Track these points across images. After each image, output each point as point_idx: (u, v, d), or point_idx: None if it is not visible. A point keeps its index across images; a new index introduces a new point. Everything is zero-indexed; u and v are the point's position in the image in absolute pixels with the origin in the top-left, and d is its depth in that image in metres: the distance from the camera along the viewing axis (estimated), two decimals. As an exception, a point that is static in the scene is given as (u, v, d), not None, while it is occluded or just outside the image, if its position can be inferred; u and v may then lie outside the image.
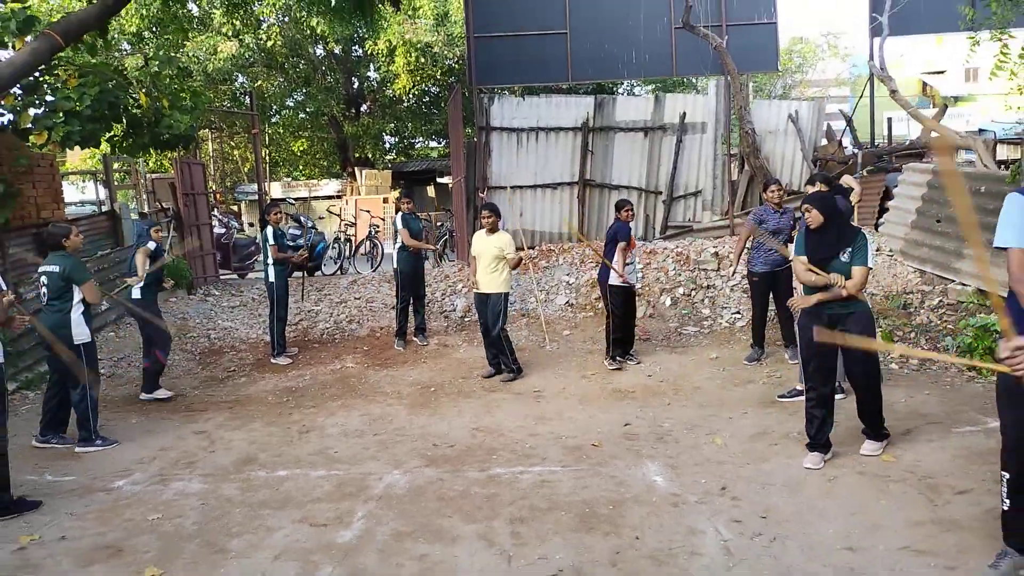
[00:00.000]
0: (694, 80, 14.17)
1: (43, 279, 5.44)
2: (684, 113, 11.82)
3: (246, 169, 26.58)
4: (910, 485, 4.16)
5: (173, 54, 10.49)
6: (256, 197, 18.50)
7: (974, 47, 7.74)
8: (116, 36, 11.26)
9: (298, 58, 23.18)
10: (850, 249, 4.42)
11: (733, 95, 11.47)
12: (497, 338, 7.04)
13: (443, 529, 3.95)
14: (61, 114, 7.14)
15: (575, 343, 8.34)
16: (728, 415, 5.75)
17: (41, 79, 7.35)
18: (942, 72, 28.98)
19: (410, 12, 19.49)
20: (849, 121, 11.96)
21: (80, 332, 5.40)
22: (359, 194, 23.41)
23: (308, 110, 24.55)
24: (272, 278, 8.02)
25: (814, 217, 4.52)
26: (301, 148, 26.89)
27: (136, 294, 6.63)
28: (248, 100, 13.28)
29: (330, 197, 24.67)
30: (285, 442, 5.58)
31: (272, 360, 8.08)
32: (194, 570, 3.60)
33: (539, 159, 12.02)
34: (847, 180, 6.59)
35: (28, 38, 7.07)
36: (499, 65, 12.02)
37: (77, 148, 7.91)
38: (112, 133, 7.96)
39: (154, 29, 14.68)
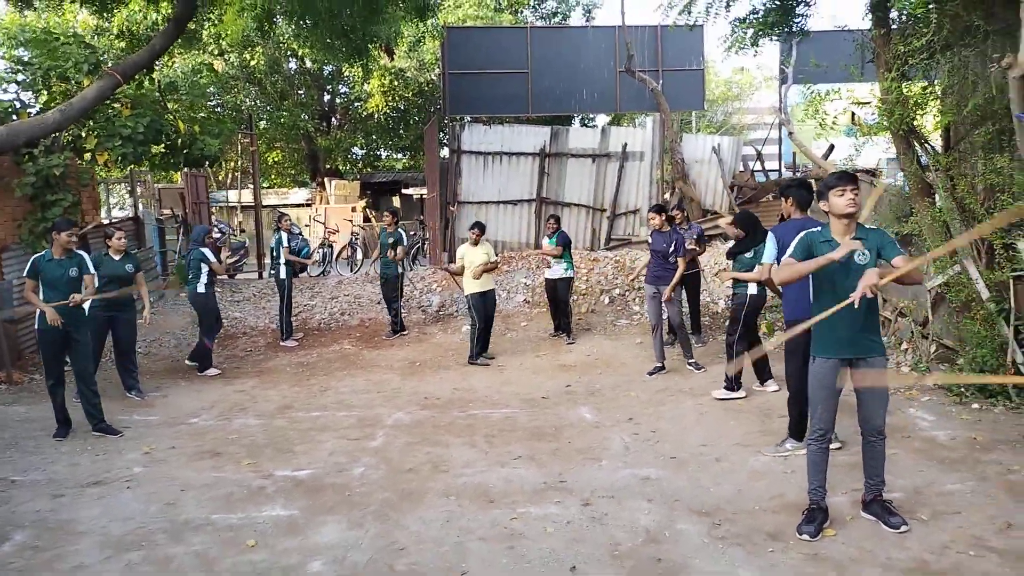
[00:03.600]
0: (635, 115, 16.36)
1: None
2: (626, 143, 13.93)
3: (220, 177, 27.97)
4: (753, 414, 6.18)
5: (206, 90, 12.09)
6: (229, 204, 20.09)
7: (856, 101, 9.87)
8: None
9: (276, 75, 24.75)
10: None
11: (667, 130, 13.62)
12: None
13: (439, 441, 5.83)
14: (119, 138, 8.82)
15: (531, 331, 10.30)
16: (643, 380, 7.73)
17: (104, 109, 9.02)
18: (868, 103, 31.93)
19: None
20: (759, 155, 14.23)
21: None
22: (328, 203, 24.96)
23: (283, 123, 26.11)
24: (283, 275, 9.77)
25: (733, 231, 6.56)
26: (275, 159, 28.34)
27: (201, 289, 8.32)
28: (248, 118, 14.87)
29: (299, 205, 26.14)
30: (310, 396, 7.39)
31: (281, 343, 9.83)
32: (275, 460, 5.40)
33: (503, 179, 13.98)
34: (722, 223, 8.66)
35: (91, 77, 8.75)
36: (470, 97, 14.00)
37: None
38: (154, 153, 9.66)
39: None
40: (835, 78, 8.05)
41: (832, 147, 11.80)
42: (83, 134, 8.87)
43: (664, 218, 7.91)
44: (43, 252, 6.14)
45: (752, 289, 6.48)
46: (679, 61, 13.91)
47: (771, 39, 7.15)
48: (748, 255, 6.50)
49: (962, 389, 6.26)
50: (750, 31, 6.94)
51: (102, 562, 3.81)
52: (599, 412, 6.57)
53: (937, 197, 6.20)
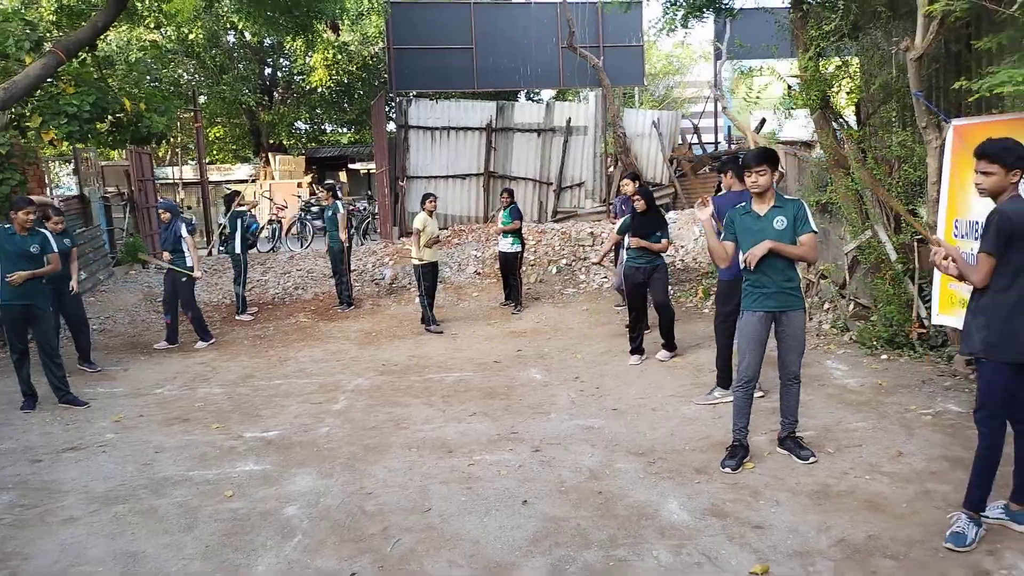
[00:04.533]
0: (579, 91, 16.78)
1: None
2: (570, 118, 14.35)
3: (160, 153, 27.36)
4: (687, 370, 6.74)
5: (151, 67, 11.97)
6: (171, 181, 19.84)
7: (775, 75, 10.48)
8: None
9: (215, 48, 24.27)
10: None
11: (608, 105, 14.07)
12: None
13: (399, 402, 6.21)
14: (64, 116, 8.81)
15: (482, 301, 10.71)
16: (588, 343, 8.23)
17: (48, 87, 8.97)
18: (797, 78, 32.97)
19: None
20: (696, 129, 14.83)
21: None
22: (273, 179, 24.76)
23: (224, 98, 25.65)
24: (239, 251, 9.93)
25: (640, 204, 7.02)
26: (216, 134, 27.85)
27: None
28: (192, 94, 14.74)
29: (242, 181, 25.84)
30: (270, 366, 7.67)
31: (237, 317, 10.02)
32: (243, 423, 5.71)
33: (450, 154, 14.27)
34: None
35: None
36: (416, 72, 14.18)
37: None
38: (100, 131, 9.64)
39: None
40: (764, 55, 8.61)
41: (763, 121, 12.43)
42: (27, 112, 8.82)
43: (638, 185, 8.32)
44: (7, 226, 6.23)
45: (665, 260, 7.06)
46: (619, 38, 14.35)
47: (701, 21, 7.63)
48: (658, 234, 6.96)
49: (873, 343, 6.92)
50: (680, 13, 7.39)
51: (90, 514, 4.10)
52: (548, 373, 7.03)
53: (851, 168, 6.79)
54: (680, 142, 14.98)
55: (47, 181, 11.72)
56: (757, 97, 7.15)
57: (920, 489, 4.00)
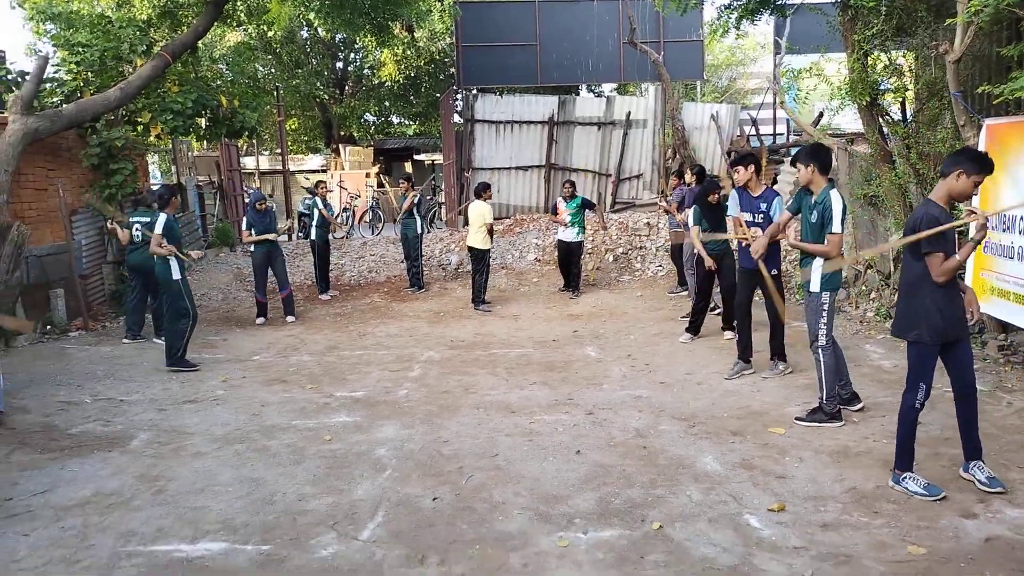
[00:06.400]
0: (638, 84, 17.19)
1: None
2: (629, 112, 14.82)
3: (239, 145, 28.90)
4: (734, 351, 7.24)
5: (245, 67, 13.00)
6: (248, 171, 21.02)
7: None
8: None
9: (291, 44, 25.49)
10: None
11: (667, 99, 14.49)
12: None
13: (467, 371, 6.93)
14: (170, 113, 9.82)
15: (542, 287, 11.36)
16: (641, 326, 8.80)
17: (155, 86, 10.00)
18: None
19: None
20: (754, 121, 15.10)
21: None
22: (343, 169, 25.90)
23: (299, 92, 26.90)
24: (314, 236, 10.83)
25: (714, 198, 7.53)
26: (292, 127, 29.20)
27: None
28: (276, 91, 15.80)
29: (314, 171, 27.08)
30: (351, 339, 8.50)
31: (319, 296, 10.93)
32: (333, 385, 6.51)
33: (514, 146, 14.93)
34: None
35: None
36: (482, 69, 14.88)
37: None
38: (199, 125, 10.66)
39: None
40: (820, 49, 8.99)
41: (821, 115, 12.65)
42: (138, 108, 9.86)
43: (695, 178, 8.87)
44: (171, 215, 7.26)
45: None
46: (680, 32, 14.72)
47: (754, 23, 8.05)
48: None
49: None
50: (734, 16, 7.83)
51: (215, 450, 4.94)
52: (602, 351, 7.65)
53: (896, 163, 7.16)
54: (738, 134, 15.27)
55: (171, 170, 12.83)
56: (806, 97, 7.55)
57: (931, 452, 4.48)
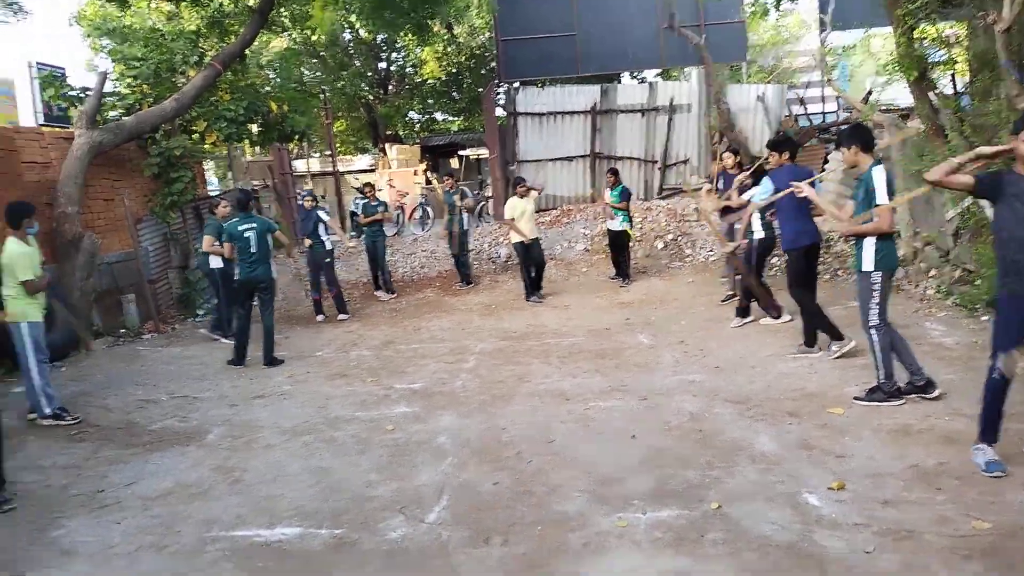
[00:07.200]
0: (681, 69, 17.03)
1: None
2: (673, 97, 14.71)
3: (289, 148, 29.59)
4: (788, 334, 7.20)
5: (292, 73, 13.38)
6: (300, 174, 21.51)
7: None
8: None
9: (335, 47, 25.94)
10: None
11: (711, 82, 14.32)
12: (542, 267, 10.10)
13: (520, 361, 7.05)
14: (224, 120, 10.18)
15: (591, 276, 11.42)
16: (693, 312, 8.79)
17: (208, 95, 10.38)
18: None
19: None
20: (802, 100, 14.82)
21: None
22: (390, 167, 26.28)
23: (344, 93, 27.38)
24: (361, 238, 11.07)
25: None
26: (339, 128, 29.74)
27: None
28: (323, 95, 16.17)
29: (362, 171, 27.53)
30: (407, 334, 8.71)
31: (374, 293, 11.19)
32: (392, 378, 6.71)
33: (557, 137, 14.95)
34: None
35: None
36: (522, 62, 14.95)
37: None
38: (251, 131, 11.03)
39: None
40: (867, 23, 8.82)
41: (870, 92, 12.38)
42: (193, 117, 10.25)
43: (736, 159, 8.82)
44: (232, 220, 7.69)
45: (760, 233, 7.43)
46: (721, 14, 14.51)
47: (794, 1, 7.93)
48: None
49: (975, 306, 7.13)
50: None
51: (284, 442, 5.17)
52: (654, 337, 7.68)
53: (949, 137, 6.99)
54: (787, 114, 15.00)
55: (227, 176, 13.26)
56: (852, 74, 7.42)
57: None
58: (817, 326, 6.31)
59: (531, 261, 10.15)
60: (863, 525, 3.46)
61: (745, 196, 7.87)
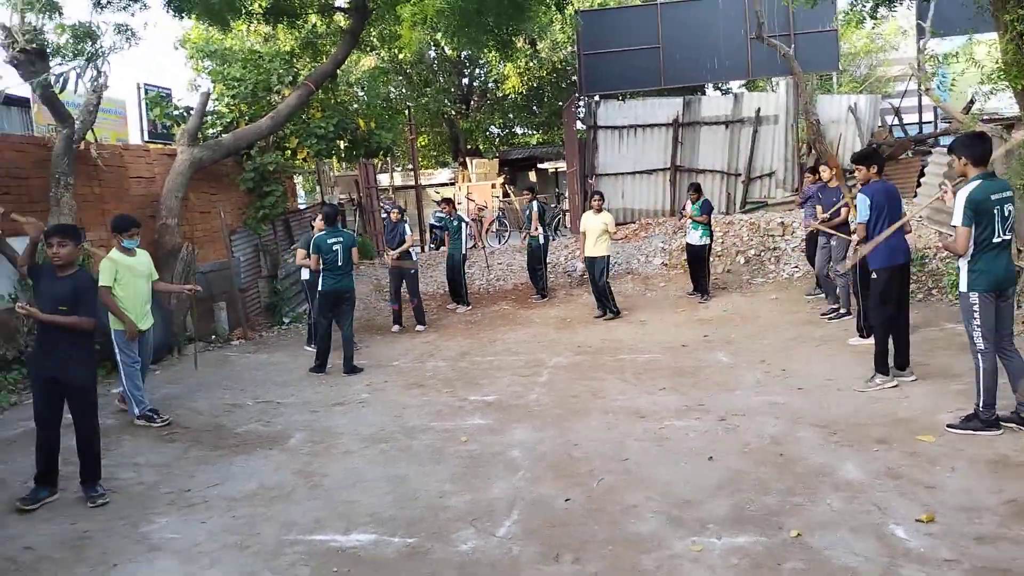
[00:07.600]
0: (768, 79, 16.59)
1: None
2: (759, 108, 14.36)
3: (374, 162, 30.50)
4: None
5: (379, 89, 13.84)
6: (383, 187, 22.08)
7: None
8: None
9: (420, 64, 26.62)
10: None
11: (800, 93, 13.91)
12: (603, 288, 9.92)
13: (595, 376, 7.00)
14: (315, 137, 10.58)
15: (669, 291, 11.24)
16: (776, 330, 8.53)
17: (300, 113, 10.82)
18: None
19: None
20: (897, 111, 14.18)
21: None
22: (470, 181, 26.66)
23: (428, 109, 28.01)
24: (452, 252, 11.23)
25: None
26: (422, 143, 30.43)
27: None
28: (408, 111, 16.62)
29: (442, 184, 28.04)
30: (482, 346, 8.79)
31: (449, 305, 11.37)
32: (467, 389, 6.79)
33: (637, 150, 14.84)
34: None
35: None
36: (604, 75, 14.92)
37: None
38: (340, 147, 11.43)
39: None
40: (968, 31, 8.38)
41: (972, 101, 11.72)
42: (286, 134, 10.70)
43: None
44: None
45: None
46: (811, 23, 14.08)
47: (891, 9, 7.61)
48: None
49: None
50: (869, 3, 7.45)
51: (363, 449, 5.30)
52: (734, 356, 7.49)
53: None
54: (880, 125, 14.38)
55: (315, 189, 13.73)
56: (953, 83, 7.07)
57: (1108, 463, 4.09)
58: (879, 349, 6.01)
59: (592, 278, 9.99)
60: (954, 561, 3.26)
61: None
